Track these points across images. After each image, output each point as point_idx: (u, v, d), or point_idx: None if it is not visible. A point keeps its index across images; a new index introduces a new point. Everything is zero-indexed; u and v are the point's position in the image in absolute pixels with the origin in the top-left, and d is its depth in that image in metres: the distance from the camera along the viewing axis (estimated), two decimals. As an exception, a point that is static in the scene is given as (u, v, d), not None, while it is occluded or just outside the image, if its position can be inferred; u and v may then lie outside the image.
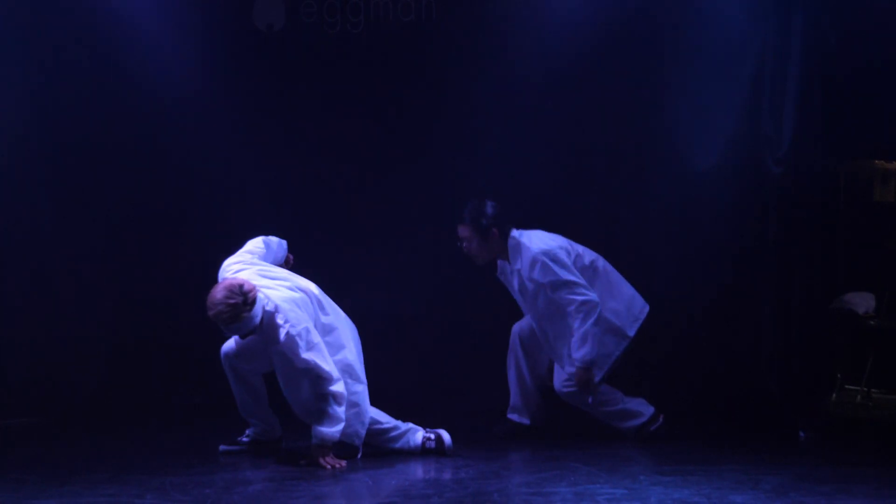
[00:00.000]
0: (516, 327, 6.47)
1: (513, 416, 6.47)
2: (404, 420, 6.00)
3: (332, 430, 5.45)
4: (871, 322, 6.90)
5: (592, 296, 6.12)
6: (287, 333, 5.39)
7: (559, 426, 6.53)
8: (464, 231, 6.21)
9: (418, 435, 5.86)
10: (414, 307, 7.37)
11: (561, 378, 6.23)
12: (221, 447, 5.92)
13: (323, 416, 5.43)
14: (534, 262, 6.14)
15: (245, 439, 5.96)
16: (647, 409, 6.31)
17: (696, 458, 5.73)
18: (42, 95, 7.12)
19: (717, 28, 6.88)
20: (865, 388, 6.98)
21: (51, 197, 7.19)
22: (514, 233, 6.22)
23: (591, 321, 6.10)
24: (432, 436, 5.86)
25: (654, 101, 7.14)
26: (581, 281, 6.13)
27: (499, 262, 6.32)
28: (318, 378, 5.43)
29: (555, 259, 6.13)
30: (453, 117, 7.36)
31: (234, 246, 7.38)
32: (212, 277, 7.47)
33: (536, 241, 6.19)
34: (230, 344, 5.83)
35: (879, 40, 6.73)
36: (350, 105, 7.13)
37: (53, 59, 7.14)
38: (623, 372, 7.22)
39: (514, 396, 6.46)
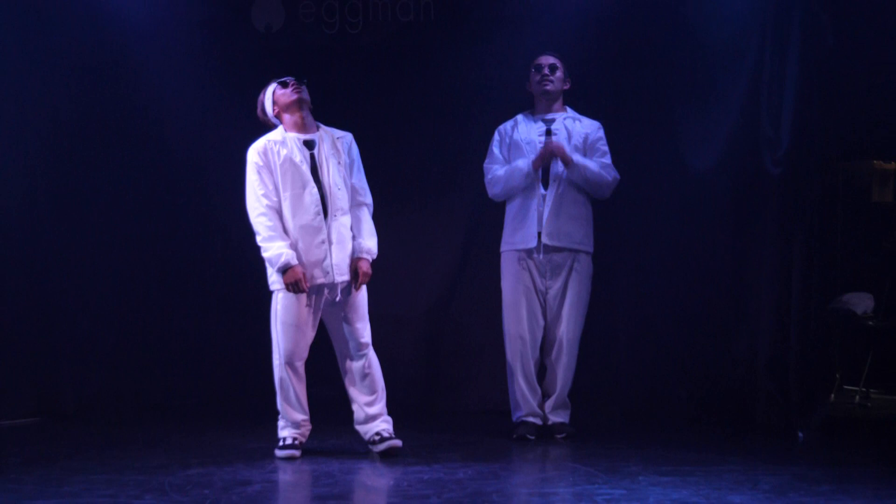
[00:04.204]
0: (514, 331, 6.48)
1: (527, 419, 6.46)
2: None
3: (373, 243, 6.00)
4: (870, 322, 6.92)
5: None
6: (354, 142, 6.08)
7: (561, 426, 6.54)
8: (556, 61, 6.52)
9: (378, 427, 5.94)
10: (414, 307, 7.37)
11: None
12: (279, 452, 5.86)
13: (366, 228, 6.00)
14: (600, 129, 6.57)
15: (295, 442, 5.90)
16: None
17: (695, 459, 5.73)
18: (41, 95, 7.12)
19: (715, 28, 6.88)
20: (864, 389, 7.00)
21: (50, 195, 7.19)
22: None
23: (614, 173, 6.51)
24: (385, 434, 5.89)
25: (652, 102, 7.14)
26: None
27: (541, 108, 6.54)
28: (362, 190, 6.04)
29: None
30: (453, 118, 7.37)
31: (233, 246, 7.43)
32: (212, 278, 7.51)
33: None
34: (291, 347, 5.83)
35: (878, 40, 6.73)
36: (349, 106, 7.13)
37: (53, 59, 7.14)
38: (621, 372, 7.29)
39: (525, 400, 6.46)
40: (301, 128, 5.94)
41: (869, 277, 7.13)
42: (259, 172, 5.86)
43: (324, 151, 5.91)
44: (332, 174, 5.88)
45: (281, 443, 5.88)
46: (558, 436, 6.37)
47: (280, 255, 5.75)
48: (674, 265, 7.12)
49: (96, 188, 7.34)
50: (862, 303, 6.97)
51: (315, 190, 5.82)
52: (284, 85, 5.99)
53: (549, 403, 6.48)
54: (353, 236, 5.94)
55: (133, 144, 7.40)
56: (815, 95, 6.53)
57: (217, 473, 5.42)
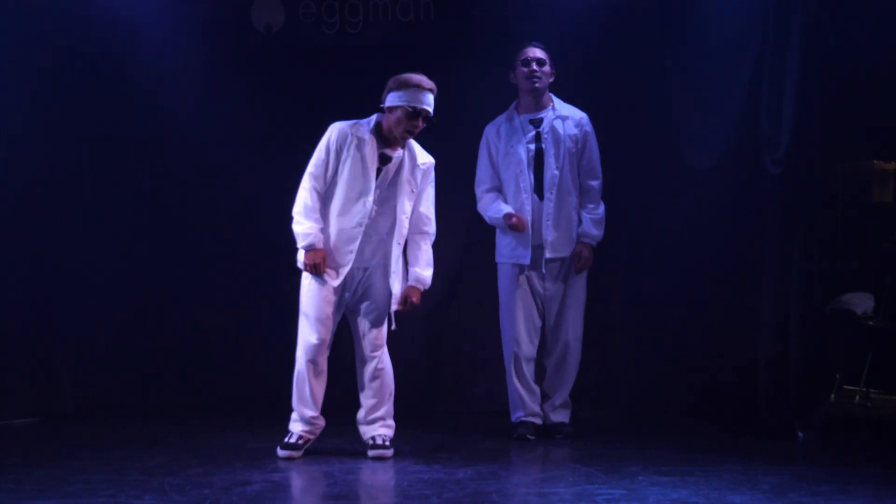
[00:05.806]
0: (512, 333, 6.47)
1: (527, 419, 6.46)
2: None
3: (429, 274, 5.94)
4: (870, 322, 6.92)
5: None
6: (432, 170, 5.95)
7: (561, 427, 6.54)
8: (543, 55, 6.45)
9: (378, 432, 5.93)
10: (415, 308, 7.36)
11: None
12: (280, 451, 5.85)
13: (424, 259, 5.92)
14: (588, 123, 6.51)
15: (300, 442, 5.90)
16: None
17: (695, 459, 5.73)
18: (42, 94, 7.10)
19: (715, 28, 6.87)
20: (864, 389, 7.00)
21: (49, 195, 7.18)
22: None
23: (603, 207, 6.51)
24: (379, 441, 5.90)
25: (652, 102, 7.14)
26: None
27: (527, 105, 6.49)
28: (427, 220, 5.94)
29: None
30: (452, 117, 7.36)
31: (232, 245, 7.43)
32: (211, 278, 7.50)
33: None
34: (311, 341, 5.81)
35: (878, 40, 6.73)
36: (348, 106, 7.12)
37: (53, 59, 7.13)
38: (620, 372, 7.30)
39: (524, 401, 6.45)
40: (388, 142, 5.86)
41: (869, 277, 7.13)
42: (326, 152, 5.84)
43: (393, 173, 5.83)
44: (402, 201, 5.83)
45: (287, 438, 5.88)
46: (558, 436, 6.37)
47: (308, 234, 5.78)
48: (674, 265, 7.12)
49: (96, 188, 7.33)
50: (862, 303, 6.97)
51: (371, 202, 5.79)
52: (413, 116, 5.77)
53: (550, 404, 6.48)
54: (405, 263, 5.90)
55: (133, 145, 7.38)
56: (815, 95, 6.53)
57: (217, 473, 5.42)
